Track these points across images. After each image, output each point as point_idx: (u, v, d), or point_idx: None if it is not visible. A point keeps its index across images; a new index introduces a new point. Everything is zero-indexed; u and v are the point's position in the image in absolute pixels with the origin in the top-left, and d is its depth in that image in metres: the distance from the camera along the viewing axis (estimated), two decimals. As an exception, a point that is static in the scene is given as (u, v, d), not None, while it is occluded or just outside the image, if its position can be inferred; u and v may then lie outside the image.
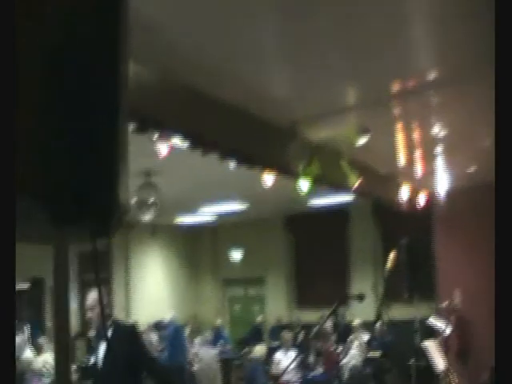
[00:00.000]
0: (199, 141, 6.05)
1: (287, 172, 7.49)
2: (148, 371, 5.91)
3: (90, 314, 5.68)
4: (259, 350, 10.66)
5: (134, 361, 5.57)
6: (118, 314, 14.85)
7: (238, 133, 6.49)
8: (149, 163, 9.86)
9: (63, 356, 1.74)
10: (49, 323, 15.91)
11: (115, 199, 1.63)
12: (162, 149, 8.10)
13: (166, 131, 5.87)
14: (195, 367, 12.78)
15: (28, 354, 11.44)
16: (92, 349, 5.83)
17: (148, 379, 6.27)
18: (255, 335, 15.40)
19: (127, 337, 5.73)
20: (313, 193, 8.09)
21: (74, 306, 18.26)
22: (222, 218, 16.37)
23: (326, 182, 8.22)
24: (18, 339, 12.46)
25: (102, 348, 5.63)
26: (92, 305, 5.67)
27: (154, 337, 15.28)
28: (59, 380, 1.71)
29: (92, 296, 5.74)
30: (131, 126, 5.45)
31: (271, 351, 12.38)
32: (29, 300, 17.88)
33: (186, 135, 5.97)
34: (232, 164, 7.01)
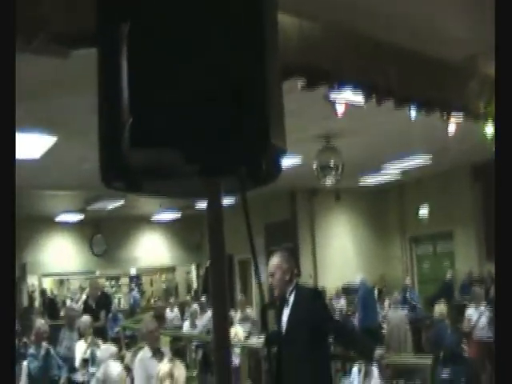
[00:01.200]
0: (372, 90, 5.77)
1: (469, 115, 7.00)
2: (335, 335, 5.76)
3: (270, 280, 5.58)
4: (439, 308, 10.23)
5: (318, 325, 5.40)
6: (306, 280, 14.95)
7: (412, 77, 6.10)
8: (328, 126, 9.74)
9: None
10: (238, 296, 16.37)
11: (266, 148, 1.46)
12: (339, 107, 7.92)
13: (337, 84, 5.65)
14: (385, 329, 12.62)
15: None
16: (276, 315, 5.73)
17: (337, 343, 6.13)
18: (445, 292, 14.80)
19: (310, 300, 5.58)
20: (500, 136, 7.45)
21: (262, 279, 18.59)
22: (407, 173, 15.75)
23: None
24: (209, 313, 12.87)
25: (286, 314, 5.53)
26: (272, 270, 5.58)
27: (342, 301, 15.26)
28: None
29: (273, 261, 5.65)
30: (301, 83, 5.33)
31: (462, 308, 11.92)
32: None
33: (357, 86, 5.73)
34: (412, 113, 6.66)
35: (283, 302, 5.59)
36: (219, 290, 1.55)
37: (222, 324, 1.55)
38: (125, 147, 1.37)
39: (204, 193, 1.56)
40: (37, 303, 18.81)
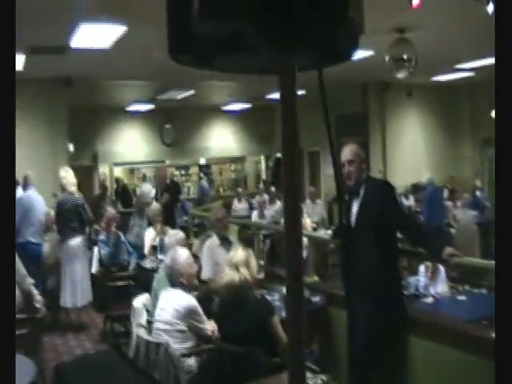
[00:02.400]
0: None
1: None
2: (404, 229, 5.67)
3: (346, 168, 5.48)
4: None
5: (389, 217, 5.36)
6: (375, 175, 14.80)
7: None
8: (403, 18, 9.45)
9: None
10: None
11: (344, 21, 1.38)
12: (414, -1, 7.64)
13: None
14: (453, 229, 12.54)
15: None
16: (345, 207, 5.70)
17: (406, 238, 6.07)
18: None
19: (382, 192, 5.51)
20: None
21: (330, 171, 18.61)
22: (481, 73, 15.26)
23: None
24: (279, 204, 12.98)
25: (356, 205, 5.50)
26: (349, 158, 5.49)
27: (411, 199, 15.18)
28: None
29: (350, 149, 5.57)
30: None
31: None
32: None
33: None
34: (489, 8, 6.36)
35: (354, 193, 5.56)
36: (291, 183, 1.51)
37: (293, 218, 1.52)
38: (193, 17, 1.31)
39: (276, 69, 1.48)
40: (108, 191, 19.23)
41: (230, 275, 5.33)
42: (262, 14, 1.29)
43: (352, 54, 1.52)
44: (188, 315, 5.26)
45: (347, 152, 5.53)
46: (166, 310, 5.32)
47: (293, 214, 1.53)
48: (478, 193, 15.27)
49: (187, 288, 5.51)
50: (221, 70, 1.65)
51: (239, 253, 5.45)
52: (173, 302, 5.33)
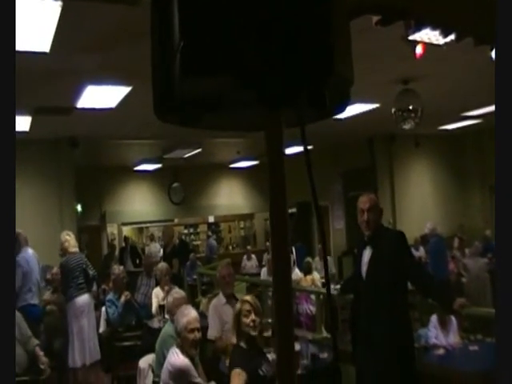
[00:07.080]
0: (451, 26, 5.49)
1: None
2: (415, 278, 5.55)
3: (365, 216, 5.46)
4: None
5: (401, 267, 5.30)
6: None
7: (493, 13, 5.77)
8: (407, 68, 9.44)
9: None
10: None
11: (330, 75, 1.32)
12: (418, 48, 7.62)
13: (415, 21, 5.40)
14: (464, 278, 12.38)
15: (296, 274, 11.79)
16: (357, 257, 5.69)
17: (417, 289, 5.97)
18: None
19: (395, 242, 5.45)
20: None
21: (340, 225, 18.53)
22: (488, 119, 15.16)
23: None
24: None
25: (367, 255, 5.46)
26: (369, 206, 5.48)
27: (421, 250, 15.00)
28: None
29: (369, 198, 5.59)
30: (375, 19, 5.10)
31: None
32: (296, 223, 18.58)
33: (436, 22, 5.45)
34: (493, 53, 6.34)
35: (365, 243, 5.54)
36: (281, 240, 1.47)
37: (283, 272, 1.51)
38: (176, 75, 1.28)
39: (263, 125, 1.45)
40: (116, 251, 19.16)
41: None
42: (245, 71, 1.25)
43: (342, 108, 1.51)
44: (179, 376, 5.08)
45: (366, 200, 5.56)
46: (164, 370, 5.18)
47: (283, 270, 1.51)
48: (488, 241, 15.08)
49: (191, 347, 5.32)
50: (207, 128, 1.64)
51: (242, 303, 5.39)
52: (168, 362, 5.19)
